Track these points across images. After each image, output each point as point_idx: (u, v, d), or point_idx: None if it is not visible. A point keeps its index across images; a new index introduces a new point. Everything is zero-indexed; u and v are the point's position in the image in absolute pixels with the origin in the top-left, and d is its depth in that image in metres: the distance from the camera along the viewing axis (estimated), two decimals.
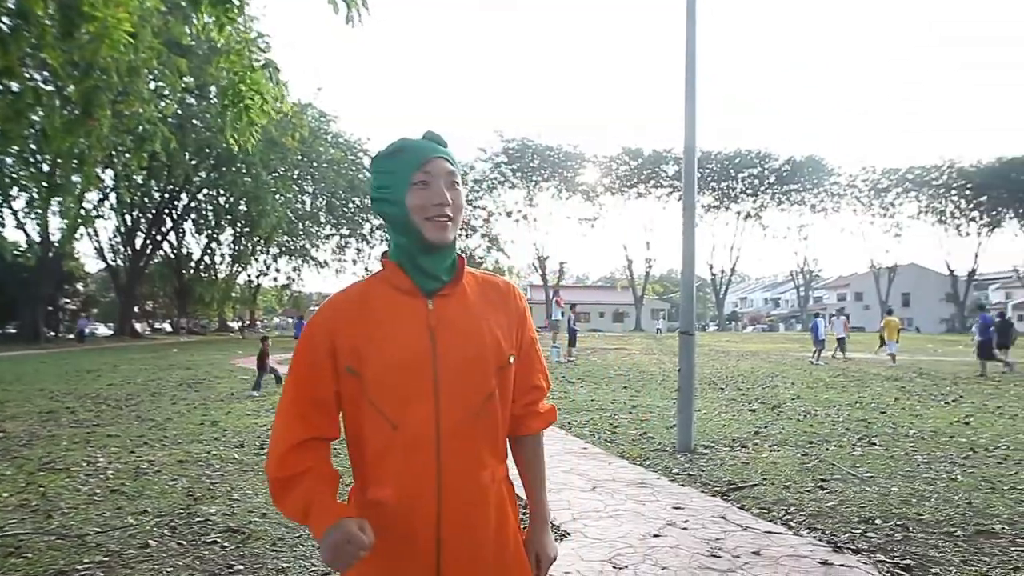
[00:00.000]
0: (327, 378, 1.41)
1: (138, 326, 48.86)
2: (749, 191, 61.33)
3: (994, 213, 58.00)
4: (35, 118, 9.70)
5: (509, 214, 59.01)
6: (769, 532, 4.43)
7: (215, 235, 48.84)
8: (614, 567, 3.81)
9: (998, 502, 5.07)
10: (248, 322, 63.28)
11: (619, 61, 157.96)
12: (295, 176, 44.21)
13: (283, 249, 52.20)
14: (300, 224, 49.21)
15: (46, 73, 10.69)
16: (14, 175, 25.04)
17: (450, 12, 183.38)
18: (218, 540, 4.25)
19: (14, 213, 34.08)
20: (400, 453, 1.37)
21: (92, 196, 33.52)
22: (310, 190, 47.96)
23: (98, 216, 38.12)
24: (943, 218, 60.18)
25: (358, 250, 56.70)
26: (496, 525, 1.46)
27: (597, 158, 58.95)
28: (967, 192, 57.79)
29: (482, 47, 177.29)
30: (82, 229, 35.41)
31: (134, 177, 33.05)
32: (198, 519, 4.68)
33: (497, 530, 1.47)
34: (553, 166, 57.27)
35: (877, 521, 4.64)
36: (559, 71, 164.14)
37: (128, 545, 4.16)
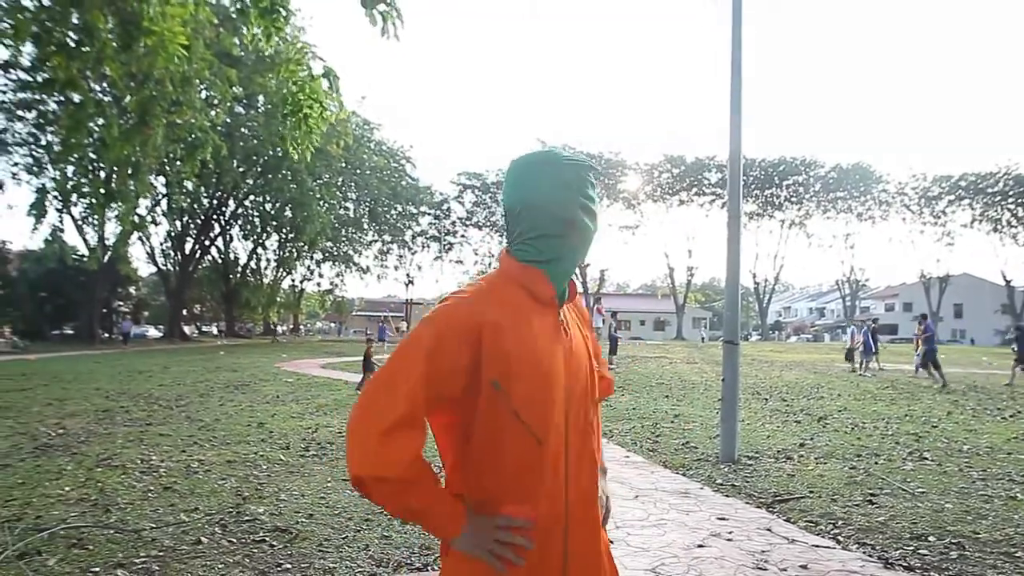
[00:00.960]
0: (457, 381, 1.33)
1: (187, 329, 50.14)
2: (793, 199, 60.17)
3: None
4: (94, 127, 10.08)
5: None
6: (817, 546, 4.35)
7: (261, 240, 49.89)
8: None
9: None
10: (292, 326, 64.43)
11: (663, 67, 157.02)
12: (339, 183, 44.93)
13: (326, 255, 53.06)
14: (343, 230, 50.00)
15: (105, 84, 11.12)
16: (74, 182, 25.98)
17: (493, 21, 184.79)
18: (266, 539, 4.35)
19: (72, 219, 35.43)
20: (545, 470, 1.35)
21: (145, 202, 34.61)
22: (353, 197, 48.70)
23: (152, 222, 39.36)
24: (998, 226, 58.09)
25: (400, 256, 57.41)
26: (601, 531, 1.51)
27: (639, 165, 58.54)
28: None
29: (525, 55, 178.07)
30: (135, 234, 36.55)
31: (185, 184, 34.00)
32: (247, 518, 4.80)
33: (602, 536, 1.51)
34: (594, 173, 57.05)
35: (930, 538, 4.52)
36: (602, 78, 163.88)
37: (181, 541, 4.29)
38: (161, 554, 4.05)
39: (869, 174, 58.57)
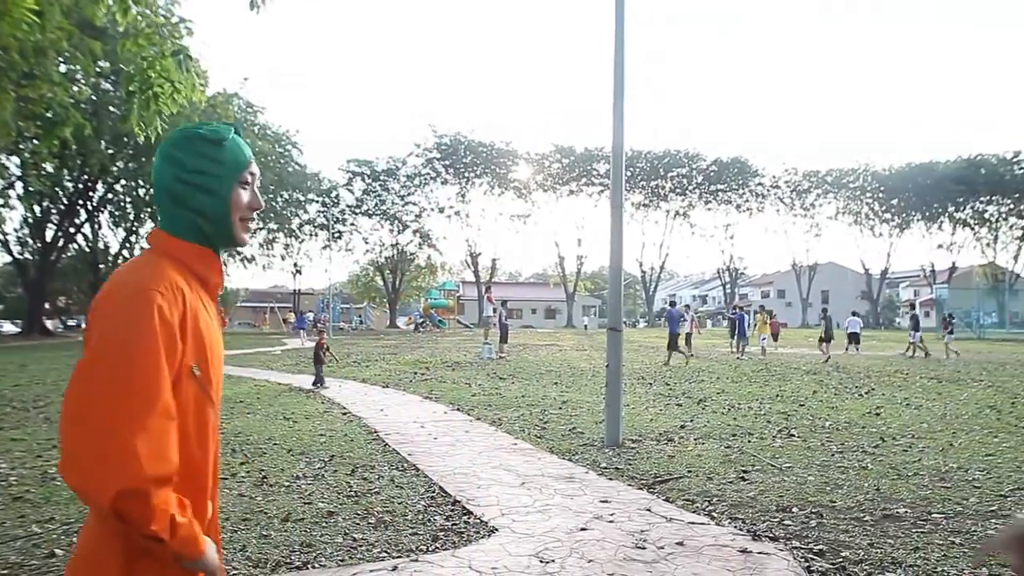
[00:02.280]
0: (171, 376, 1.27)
1: (49, 323, 46.31)
2: (678, 190, 62.88)
3: (904, 215, 61.27)
4: None
5: (441, 210, 58.69)
6: (692, 523, 4.55)
7: (135, 228, 46.67)
8: (541, 561, 3.83)
9: (903, 487, 5.35)
10: None
11: (553, 57, 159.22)
12: None
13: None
14: None
15: None
16: None
17: (383, 3, 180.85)
18: None
19: None
20: (212, 442, 1.41)
21: None
22: None
23: (4, 206, 35.95)
24: (858, 219, 63.25)
25: (287, 245, 55.42)
26: None
27: (529, 155, 59.29)
28: (880, 195, 60.90)
29: (417, 41, 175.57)
30: None
31: (43, 165, 31.24)
32: None
33: None
34: (486, 162, 57.23)
35: (794, 509, 4.83)
36: (494, 66, 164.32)
37: (31, 555, 3.93)
38: (5, 572, 3.69)
39: (747, 168, 62.15)
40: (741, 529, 4.42)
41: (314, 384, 12.51)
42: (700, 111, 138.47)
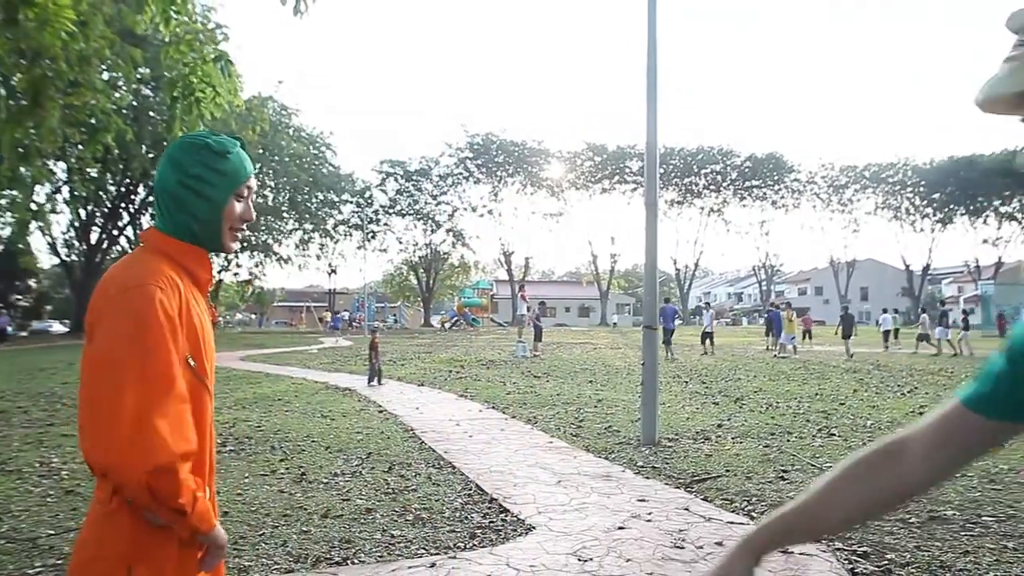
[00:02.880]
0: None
1: None
2: (712, 187, 62.21)
3: (946, 210, 59.71)
4: None
5: (474, 209, 58.90)
6: (732, 523, 4.49)
7: None
8: (579, 560, 3.82)
9: (950, 489, 5.21)
10: (211, 319, 62.02)
11: (585, 56, 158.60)
12: (256, 170, 43.41)
13: (245, 244, 51.28)
14: (262, 219, 48.42)
15: None
16: None
17: (416, 4, 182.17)
18: None
19: None
20: (208, 424, 1.49)
21: (44, 189, 32.58)
22: (272, 184, 47.22)
23: (51, 211, 37.04)
24: (898, 214, 61.83)
25: (322, 245, 56.08)
26: None
27: (562, 153, 59.19)
28: (921, 189, 59.42)
29: (448, 40, 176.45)
30: (33, 224, 34.39)
31: (88, 170, 32.11)
32: None
33: None
34: (518, 161, 57.30)
35: None
36: (525, 65, 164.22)
37: None
38: (59, 563, 3.80)
39: (782, 164, 61.20)
40: None
41: (370, 382, 12.71)
42: (734, 106, 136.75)
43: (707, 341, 21.18)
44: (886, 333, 22.64)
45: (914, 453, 0.98)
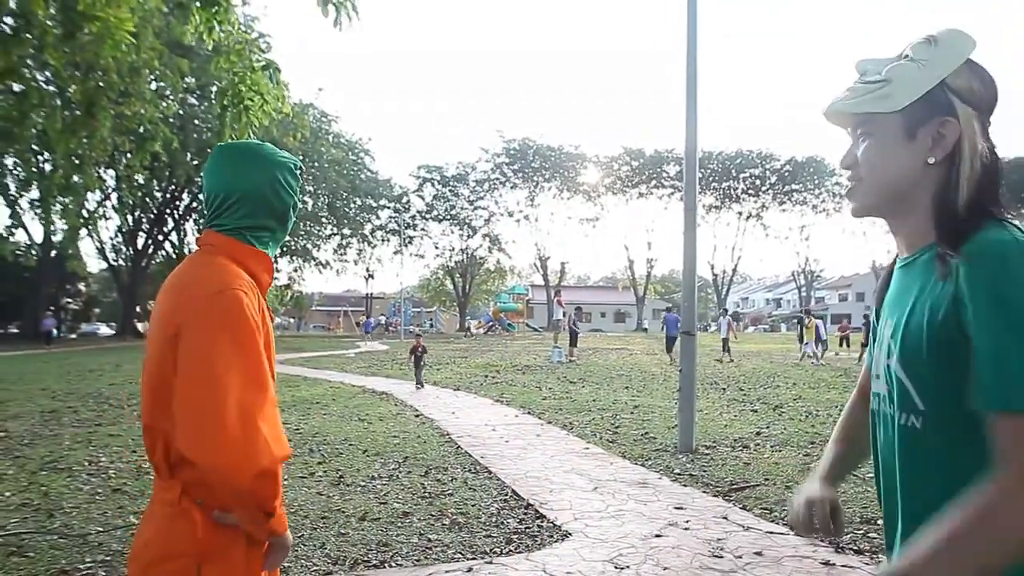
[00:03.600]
0: None
1: (140, 326, 48.91)
2: (751, 191, 61.29)
3: None
4: (37, 119, 9.74)
5: (511, 214, 59.02)
6: (771, 532, 4.43)
7: None
8: (616, 567, 3.81)
9: None
10: None
11: (624, 59, 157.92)
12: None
13: (284, 249, 52.21)
14: (301, 224, 49.24)
15: (48, 74, 10.74)
16: (17, 175, 25.12)
17: (452, 11, 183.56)
18: None
19: (13, 213, 34.18)
20: None
21: (94, 196, 33.59)
22: (311, 190, 47.99)
23: (101, 216, 38.21)
24: None
25: (359, 251, 56.78)
26: None
27: (598, 158, 58.98)
28: None
29: (484, 46, 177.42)
30: (84, 229, 35.50)
31: (136, 177, 33.08)
32: None
33: None
34: (554, 166, 57.26)
35: (879, 522, 4.63)
36: (562, 70, 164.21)
37: (130, 545, 4.15)
38: (108, 559, 3.93)
39: (823, 167, 59.94)
40: (823, 540, 4.27)
41: (418, 386, 12.92)
42: (774, 110, 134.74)
43: (725, 348, 21.00)
44: None
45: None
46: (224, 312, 1.35)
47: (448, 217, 58.92)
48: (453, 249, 59.82)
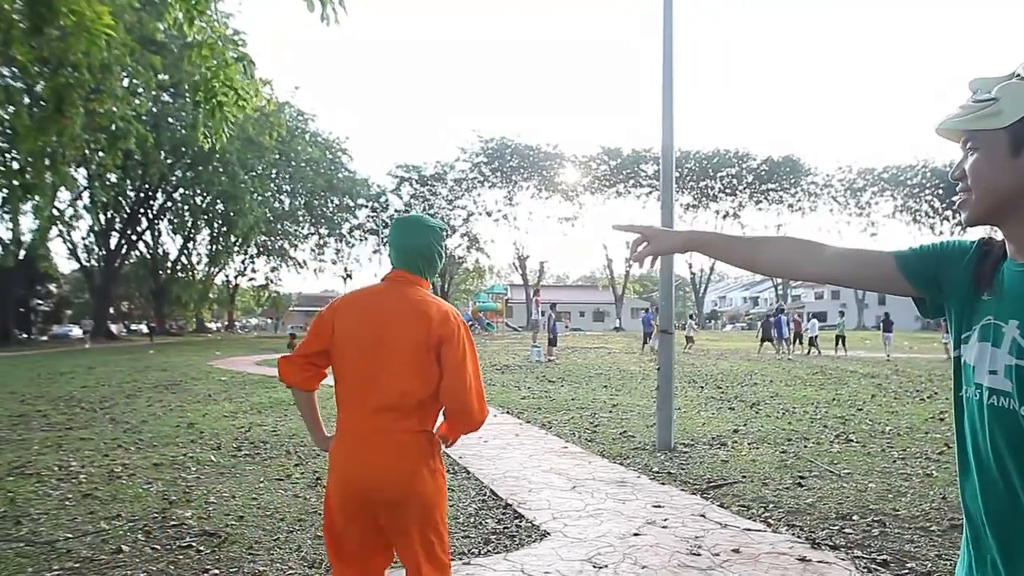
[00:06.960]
0: None
1: (114, 327, 48.13)
2: (728, 190, 61.73)
3: None
4: (3, 115, 9.52)
5: (489, 214, 58.90)
6: (748, 530, 4.45)
7: (192, 235, 48.22)
8: (594, 566, 3.80)
9: None
10: (227, 323, 62.57)
11: (600, 59, 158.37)
12: (273, 175, 43.83)
13: (261, 249, 51.72)
14: (278, 224, 48.80)
15: (14, 70, 10.51)
16: None
17: (429, 11, 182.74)
18: (193, 544, 4.18)
19: None
20: None
21: (65, 195, 33.00)
22: (288, 189, 47.58)
23: (73, 216, 37.54)
24: (917, 217, 61.06)
25: (337, 251, 56.30)
26: None
27: (576, 157, 58.98)
28: (940, 191, 58.68)
29: (461, 46, 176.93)
30: (54, 229, 34.85)
31: (108, 176, 32.55)
32: (173, 523, 4.60)
33: None
34: (532, 165, 57.21)
35: (854, 517, 4.68)
36: (540, 70, 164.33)
37: (100, 551, 4.08)
38: (77, 565, 3.84)
39: (799, 167, 60.60)
40: (799, 537, 4.30)
41: None
42: (750, 109, 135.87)
43: (688, 343, 25.23)
44: (886, 339, 23.01)
45: (833, 251, 1.35)
46: (465, 329, 2.29)
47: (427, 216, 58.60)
48: None
